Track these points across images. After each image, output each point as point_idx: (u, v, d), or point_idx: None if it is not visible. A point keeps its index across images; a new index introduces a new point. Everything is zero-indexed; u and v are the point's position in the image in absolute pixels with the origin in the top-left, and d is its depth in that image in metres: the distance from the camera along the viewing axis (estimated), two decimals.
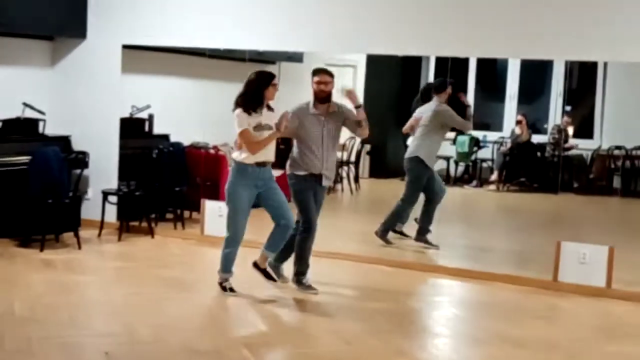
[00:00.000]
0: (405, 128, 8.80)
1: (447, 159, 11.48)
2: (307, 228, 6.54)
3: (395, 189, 12.25)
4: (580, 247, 7.18)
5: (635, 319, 6.44)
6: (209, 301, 6.35)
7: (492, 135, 11.10)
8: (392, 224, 8.50)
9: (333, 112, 6.54)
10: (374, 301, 6.54)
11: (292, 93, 11.58)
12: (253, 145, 6.18)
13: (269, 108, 6.39)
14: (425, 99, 8.83)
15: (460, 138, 11.90)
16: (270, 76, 6.30)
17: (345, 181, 11.09)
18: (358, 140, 10.11)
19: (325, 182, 6.60)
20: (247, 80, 6.27)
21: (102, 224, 8.49)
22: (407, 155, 8.53)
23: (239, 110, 6.21)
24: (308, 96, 6.70)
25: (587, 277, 7.04)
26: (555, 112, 12.69)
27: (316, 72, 6.58)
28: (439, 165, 12.61)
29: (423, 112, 8.53)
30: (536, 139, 12.54)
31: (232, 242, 6.39)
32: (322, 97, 6.49)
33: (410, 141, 8.64)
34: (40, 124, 8.56)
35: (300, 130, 6.52)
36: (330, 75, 6.53)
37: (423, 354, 5.44)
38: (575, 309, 6.67)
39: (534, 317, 6.37)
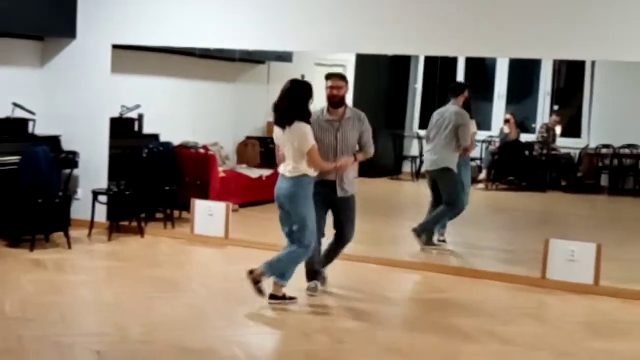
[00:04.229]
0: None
1: None
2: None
3: (384, 187, 12.34)
4: (568, 244, 7.22)
5: (623, 316, 6.48)
6: (200, 300, 6.36)
7: (480, 134, 11.21)
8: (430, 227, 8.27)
9: (349, 117, 6.29)
10: (365, 299, 6.55)
11: None
12: (319, 164, 6.05)
13: None
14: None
15: None
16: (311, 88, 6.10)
17: None
18: None
19: (340, 193, 6.33)
20: (301, 91, 6.02)
21: (92, 224, 8.48)
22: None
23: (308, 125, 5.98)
24: None
25: (575, 274, 7.09)
26: (543, 111, 12.78)
27: (329, 76, 6.32)
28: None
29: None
30: (524, 137, 12.64)
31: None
32: (335, 102, 6.25)
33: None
34: (30, 123, 8.55)
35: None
36: (344, 79, 6.32)
37: (412, 351, 5.47)
38: (563, 306, 6.72)
39: (522, 314, 6.41)
